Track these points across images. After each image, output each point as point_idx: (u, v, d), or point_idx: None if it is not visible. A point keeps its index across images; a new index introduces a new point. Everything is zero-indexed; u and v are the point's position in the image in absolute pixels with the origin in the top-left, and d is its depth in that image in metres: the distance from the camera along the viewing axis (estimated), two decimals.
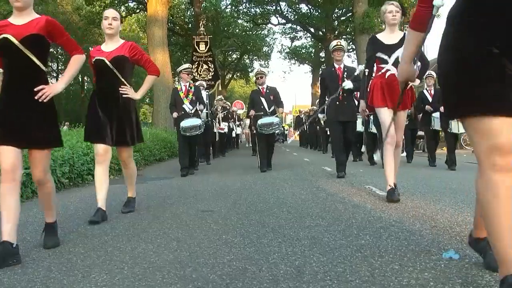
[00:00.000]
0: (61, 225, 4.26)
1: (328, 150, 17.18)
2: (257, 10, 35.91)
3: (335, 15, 35.33)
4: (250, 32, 36.22)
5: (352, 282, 2.47)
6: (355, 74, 7.91)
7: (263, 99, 9.96)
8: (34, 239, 3.73)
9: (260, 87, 10.14)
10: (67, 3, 34.67)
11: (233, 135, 23.03)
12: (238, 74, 46.22)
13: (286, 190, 6.31)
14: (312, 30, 38.62)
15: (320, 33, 37.18)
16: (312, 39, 42.84)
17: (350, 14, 32.12)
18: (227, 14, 32.19)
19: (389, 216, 4.29)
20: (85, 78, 48.96)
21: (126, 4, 29.69)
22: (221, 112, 16.30)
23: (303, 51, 47.71)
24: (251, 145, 26.91)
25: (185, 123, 9.18)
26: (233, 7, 34.47)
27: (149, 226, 4.12)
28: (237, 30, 34.87)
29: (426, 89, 10.41)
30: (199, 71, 23.31)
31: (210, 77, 23.28)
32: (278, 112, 10.07)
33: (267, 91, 10.05)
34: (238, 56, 42.44)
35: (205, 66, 23.79)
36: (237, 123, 24.28)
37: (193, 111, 9.40)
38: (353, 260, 2.88)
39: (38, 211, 5.15)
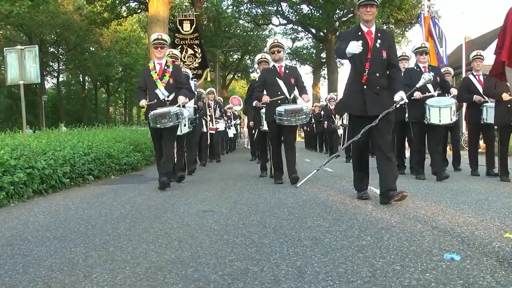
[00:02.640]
0: (62, 225, 4.27)
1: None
2: (258, 10, 35.91)
3: (336, 16, 35.30)
4: (251, 33, 36.24)
5: (353, 282, 2.47)
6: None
7: (280, 82, 7.19)
8: (36, 239, 3.73)
9: (276, 65, 7.31)
10: (68, 3, 34.72)
11: (230, 135, 19.53)
12: (239, 75, 46.25)
13: (287, 191, 6.30)
14: (313, 30, 38.59)
15: (321, 34, 37.14)
16: (313, 40, 42.84)
17: (351, 15, 32.15)
18: (228, 14, 32.18)
19: (390, 217, 4.29)
20: (86, 78, 49.05)
21: (127, 4, 29.67)
22: (215, 108, 13.46)
23: (304, 51, 47.74)
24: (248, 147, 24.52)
25: (156, 111, 6.71)
26: (235, 8, 34.49)
27: (150, 226, 4.12)
28: (238, 31, 34.89)
29: (473, 73, 8.45)
30: (182, 57, 18.51)
31: (197, 65, 18.92)
32: (303, 101, 7.39)
33: (286, 71, 7.26)
34: (239, 57, 42.47)
35: (190, 51, 19.29)
36: (233, 122, 19.89)
37: (170, 98, 6.88)
38: (354, 260, 2.88)
39: (39, 211, 5.15)
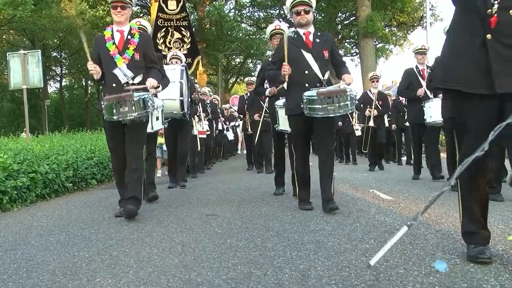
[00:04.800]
0: (65, 229, 4.27)
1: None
2: (261, 14, 35.95)
3: (339, 19, 35.30)
4: (254, 36, 36.22)
5: (357, 286, 2.47)
6: None
7: (308, 56, 4.91)
8: (39, 243, 3.74)
9: (301, 31, 5.00)
10: (71, 8, 34.80)
11: (230, 137, 17.66)
12: (241, 78, 46.30)
13: (290, 194, 6.29)
14: None
15: None
16: None
17: (353, 18, 32.13)
18: (230, 18, 32.18)
19: (393, 220, 4.28)
20: (89, 82, 49.14)
21: None
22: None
23: None
24: (242, 151, 22.12)
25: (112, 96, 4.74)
26: (237, 11, 34.54)
27: (153, 230, 4.12)
28: (241, 34, 34.85)
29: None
30: (167, 42, 15.22)
31: (186, 52, 14.47)
32: (345, 81, 4.92)
33: (316, 40, 4.98)
34: (242, 60, 42.50)
35: (177, 35, 15.32)
36: (232, 124, 18.00)
37: (135, 81, 4.87)
38: (358, 264, 2.87)
39: (42, 215, 5.16)
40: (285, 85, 5.17)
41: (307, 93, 4.73)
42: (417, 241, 3.43)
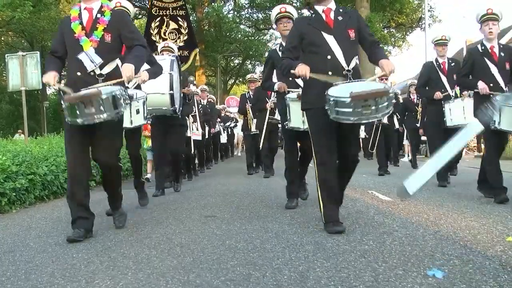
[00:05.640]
0: (64, 231, 4.26)
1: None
2: (259, 15, 35.95)
3: None
4: (252, 38, 36.26)
5: (356, 287, 2.47)
6: None
7: (330, 38, 3.96)
8: (38, 245, 3.73)
9: (320, 8, 4.07)
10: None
11: (223, 140, 16.71)
12: (240, 79, 46.30)
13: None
14: None
15: None
16: None
17: None
18: (229, 19, 32.22)
19: (392, 221, 4.28)
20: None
21: None
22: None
23: None
24: (239, 154, 21.44)
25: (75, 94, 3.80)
26: (235, 13, 34.56)
27: (152, 232, 4.12)
28: (239, 36, 34.90)
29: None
30: (162, 33, 13.70)
31: (182, 44, 13.46)
32: (384, 70, 3.91)
33: (338, 17, 4.03)
34: (241, 61, 42.52)
35: (172, 25, 13.78)
36: (228, 124, 17.24)
37: (105, 71, 3.96)
38: (357, 265, 2.87)
39: (41, 217, 5.16)
40: (300, 82, 4.59)
41: (333, 92, 3.68)
42: (416, 242, 3.43)
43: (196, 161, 10.91)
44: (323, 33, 3.96)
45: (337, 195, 4.12)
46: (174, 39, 13.41)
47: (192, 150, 9.46)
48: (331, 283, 2.54)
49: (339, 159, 4.06)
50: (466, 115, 6.49)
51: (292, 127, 5.11)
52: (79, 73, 3.91)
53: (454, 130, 6.21)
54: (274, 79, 5.54)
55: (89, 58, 3.90)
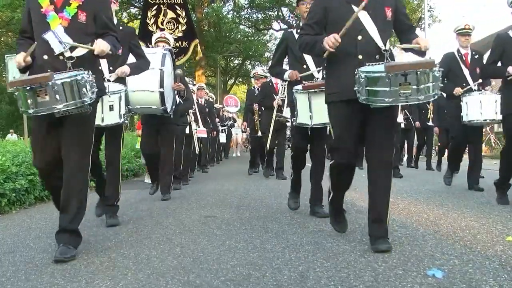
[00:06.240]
0: None
1: None
2: (259, 15, 35.96)
3: None
4: (252, 38, 36.24)
5: (356, 287, 2.48)
6: None
7: (363, 15, 3.28)
8: (37, 245, 3.73)
9: None
10: None
11: (222, 140, 15.84)
12: (240, 80, 46.30)
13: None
14: None
15: None
16: None
17: None
18: (229, 19, 32.20)
19: (392, 221, 4.27)
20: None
21: (128, 10, 29.77)
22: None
23: None
24: (238, 154, 21.19)
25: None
26: (235, 13, 34.55)
27: (152, 232, 4.12)
28: (239, 36, 34.88)
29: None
30: (159, 22, 12.75)
31: (181, 34, 12.67)
32: (419, 46, 3.28)
33: None
34: (240, 62, 42.52)
35: (170, 14, 12.81)
36: (227, 123, 16.68)
37: (76, 54, 3.35)
38: (356, 265, 2.87)
39: (41, 217, 5.15)
40: (315, 71, 4.26)
41: (365, 68, 3.16)
42: (416, 242, 3.43)
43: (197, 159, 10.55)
44: (353, 6, 3.26)
45: (341, 196, 3.79)
46: (172, 29, 12.55)
47: (197, 149, 9.11)
48: (331, 283, 2.54)
49: (368, 163, 3.40)
50: (482, 111, 6.03)
51: (300, 124, 4.58)
52: (45, 57, 3.30)
53: (472, 128, 6.24)
54: (285, 66, 5.04)
55: (57, 38, 3.27)
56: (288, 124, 6.63)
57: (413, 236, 3.60)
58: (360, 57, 3.26)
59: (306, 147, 4.88)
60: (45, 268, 3.06)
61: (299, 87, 4.52)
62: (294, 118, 4.63)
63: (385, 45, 3.31)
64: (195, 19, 28.87)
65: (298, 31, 4.28)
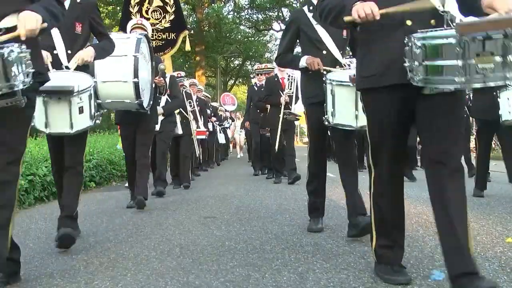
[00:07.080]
0: None
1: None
2: (259, 16, 35.98)
3: None
4: (252, 38, 36.27)
5: None
6: None
7: None
8: (37, 246, 3.73)
9: None
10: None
11: (221, 140, 15.49)
12: (240, 80, 46.32)
13: (289, 197, 6.29)
14: None
15: None
16: None
17: None
18: (229, 20, 32.21)
19: None
20: None
21: None
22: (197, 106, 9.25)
23: None
24: (242, 155, 20.24)
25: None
26: (235, 13, 34.56)
27: (151, 233, 4.11)
28: (239, 36, 34.90)
29: None
30: (144, 11, 11.39)
31: (168, 25, 11.43)
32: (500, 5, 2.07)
33: None
34: (240, 62, 42.53)
35: (156, 2, 11.45)
36: (223, 123, 16.29)
37: (1, 25, 2.34)
38: (356, 266, 2.87)
39: (40, 217, 5.15)
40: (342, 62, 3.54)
41: (421, 34, 2.22)
42: (416, 243, 3.43)
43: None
44: None
45: (400, 225, 2.66)
46: (158, 18, 11.36)
47: (197, 152, 8.61)
48: (330, 284, 2.54)
49: (427, 167, 2.52)
50: None
51: (339, 125, 3.62)
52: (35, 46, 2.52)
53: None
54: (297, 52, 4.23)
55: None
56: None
57: (413, 238, 3.59)
58: (408, 22, 2.36)
59: (326, 150, 4.20)
60: (45, 268, 3.05)
61: (341, 77, 3.53)
62: (326, 117, 3.63)
63: (443, 5, 2.35)
64: (195, 19, 28.89)
65: (311, 8, 3.70)
